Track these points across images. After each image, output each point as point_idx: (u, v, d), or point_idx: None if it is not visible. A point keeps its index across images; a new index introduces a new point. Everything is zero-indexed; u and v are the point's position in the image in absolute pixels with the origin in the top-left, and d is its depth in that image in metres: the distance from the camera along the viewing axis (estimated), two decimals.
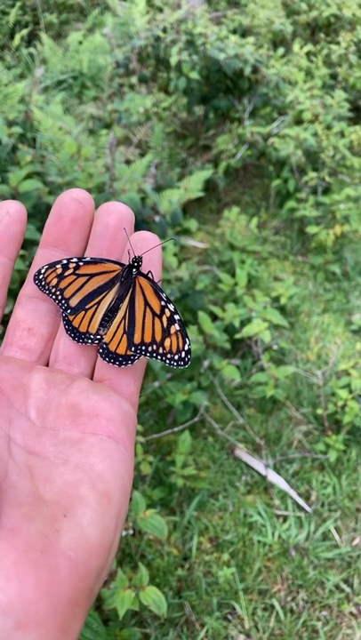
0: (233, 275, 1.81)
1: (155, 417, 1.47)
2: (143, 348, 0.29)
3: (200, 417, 1.37)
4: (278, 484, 1.35)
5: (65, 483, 0.23)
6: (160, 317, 0.30)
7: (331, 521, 1.30)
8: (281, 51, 2.52)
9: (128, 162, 2.06)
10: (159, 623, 1.10)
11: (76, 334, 0.29)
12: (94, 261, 0.30)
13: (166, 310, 0.30)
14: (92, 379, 0.30)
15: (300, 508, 1.32)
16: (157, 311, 0.30)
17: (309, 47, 2.56)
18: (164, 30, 2.19)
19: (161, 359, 0.29)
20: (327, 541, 1.26)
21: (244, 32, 2.77)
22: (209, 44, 2.05)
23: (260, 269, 1.92)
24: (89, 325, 0.30)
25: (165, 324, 0.29)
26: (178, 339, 0.29)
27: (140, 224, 1.58)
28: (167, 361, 0.29)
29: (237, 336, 1.44)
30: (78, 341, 0.29)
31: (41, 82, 2.83)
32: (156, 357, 0.29)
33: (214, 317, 1.66)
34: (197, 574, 1.19)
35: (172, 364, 0.29)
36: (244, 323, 1.53)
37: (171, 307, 0.30)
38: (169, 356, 0.29)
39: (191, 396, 1.33)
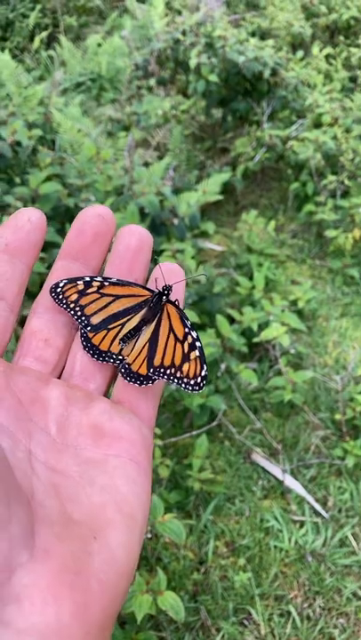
0: (250, 278, 1.81)
1: (171, 420, 1.47)
2: (162, 370, 0.30)
3: (218, 421, 1.37)
4: (295, 490, 1.34)
5: (92, 504, 0.23)
6: (182, 343, 0.30)
7: (348, 527, 1.28)
8: (300, 53, 2.51)
9: (146, 164, 2.07)
10: (175, 627, 1.10)
11: (96, 352, 0.30)
12: (121, 283, 0.31)
13: (189, 337, 0.30)
14: (106, 396, 0.30)
15: (317, 514, 1.31)
16: (180, 337, 0.30)
17: (329, 50, 2.55)
18: (184, 33, 2.19)
19: (177, 383, 0.29)
20: (344, 548, 1.25)
21: (262, 35, 2.77)
22: (228, 47, 2.05)
23: (277, 273, 1.91)
24: (111, 345, 0.30)
25: (186, 350, 0.30)
26: (196, 364, 0.29)
27: (159, 227, 1.58)
28: (183, 385, 0.29)
29: (255, 340, 1.44)
30: (98, 359, 0.30)
31: (60, 84, 2.85)
32: (172, 381, 0.29)
33: (231, 320, 1.66)
34: (213, 578, 1.19)
35: (187, 389, 0.29)
36: (261, 326, 1.53)
37: (194, 333, 0.30)
38: (185, 380, 0.29)
39: (208, 399, 1.33)
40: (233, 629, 1.11)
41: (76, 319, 0.30)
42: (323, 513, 1.31)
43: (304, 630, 1.12)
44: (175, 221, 1.54)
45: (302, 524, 1.30)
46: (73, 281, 0.30)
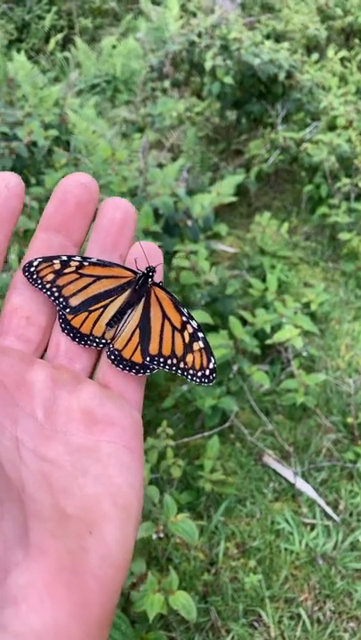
0: (263, 280, 1.81)
1: (183, 420, 1.47)
2: (161, 360, 0.29)
3: (231, 423, 1.37)
4: (306, 492, 1.34)
5: (86, 496, 0.23)
6: (181, 332, 0.29)
7: (359, 531, 1.28)
8: (315, 56, 2.51)
9: (160, 166, 2.07)
10: (185, 627, 1.10)
11: (77, 335, 0.29)
12: (102, 264, 0.30)
13: (188, 326, 0.29)
14: (91, 377, 0.29)
15: (328, 517, 1.31)
16: (178, 326, 0.29)
17: (344, 53, 2.55)
18: (199, 35, 2.20)
19: (182, 374, 0.29)
20: (355, 551, 1.25)
21: (277, 37, 2.77)
22: (244, 50, 2.05)
23: (290, 275, 1.91)
24: (93, 328, 0.29)
25: (187, 340, 0.29)
26: (202, 356, 0.28)
27: (173, 228, 1.59)
28: (189, 377, 0.28)
29: (268, 342, 1.43)
30: (79, 343, 0.28)
31: (75, 85, 2.86)
32: (176, 372, 0.29)
33: (244, 322, 1.66)
34: (224, 580, 1.19)
35: (195, 381, 0.28)
36: (274, 328, 1.52)
37: (194, 323, 0.29)
38: (191, 372, 0.28)
39: (220, 400, 1.33)
40: (243, 631, 1.11)
41: (53, 300, 0.29)
42: (334, 516, 1.31)
43: (314, 633, 1.12)
44: (189, 223, 1.55)
45: (313, 526, 1.29)
46: (48, 260, 0.28)
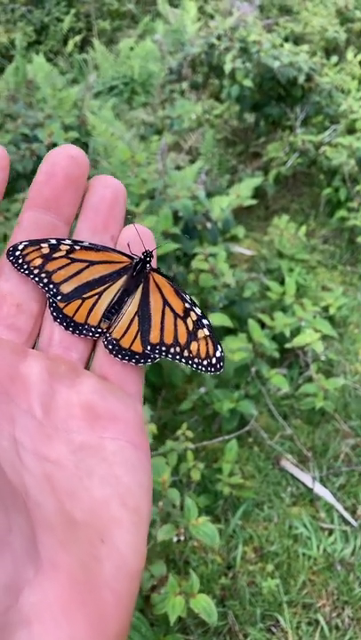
0: (280, 283, 1.80)
1: (200, 423, 1.47)
2: (163, 349, 0.27)
3: (251, 427, 1.37)
4: (324, 497, 1.33)
5: (93, 500, 0.21)
6: (184, 320, 0.28)
7: None
8: (334, 59, 2.50)
9: (178, 168, 2.07)
10: (203, 631, 1.10)
11: (71, 324, 0.27)
12: (95, 248, 0.28)
13: (192, 313, 0.28)
14: (87, 367, 0.27)
15: (347, 523, 1.30)
16: (180, 313, 0.28)
17: None
18: (219, 38, 2.20)
19: (187, 363, 0.27)
20: None
21: (296, 39, 2.76)
22: (263, 52, 2.05)
23: (308, 278, 1.90)
24: (88, 317, 0.27)
25: (191, 327, 0.27)
26: (208, 344, 0.27)
27: (192, 230, 1.59)
28: (195, 365, 0.27)
29: (288, 346, 1.43)
30: (73, 332, 0.27)
31: (93, 87, 2.88)
32: (180, 360, 0.27)
33: (262, 325, 1.65)
34: (241, 584, 1.19)
35: (201, 370, 0.27)
36: (293, 332, 1.52)
37: (197, 310, 0.28)
38: (197, 360, 0.27)
39: (239, 404, 1.33)
40: (260, 636, 1.11)
41: (43, 287, 0.27)
42: (352, 521, 1.30)
43: None
44: (208, 225, 1.55)
45: (331, 532, 1.29)
46: (35, 243, 0.26)
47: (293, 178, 2.32)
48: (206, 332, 0.27)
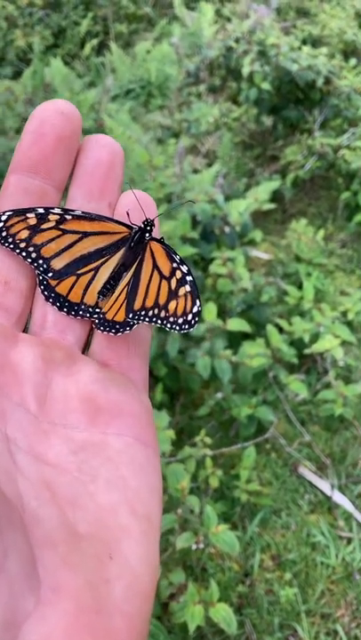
0: (298, 287, 1.79)
1: (216, 429, 1.46)
2: (143, 313, 0.25)
3: (270, 434, 1.36)
4: (343, 505, 1.32)
5: (99, 507, 0.19)
6: (168, 280, 0.25)
7: None
8: (353, 61, 2.48)
9: (195, 171, 2.07)
10: (220, 639, 1.09)
11: (65, 304, 0.24)
12: (89, 217, 0.25)
13: (177, 272, 0.25)
14: (83, 351, 0.24)
15: None
16: (167, 274, 0.25)
17: None
18: (237, 41, 2.19)
19: (162, 324, 0.24)
20: None
21: (313, 42, 2.74)
22: (282, 56, 2.04)
23: (325, 283, 1.89)
24: (84, 295, 0.25)
25: (174, 286, 0.25)
26: (186, 300, 0.24)
27: (210, 235, 1.58)
28: (169, 325, 0.24)
29: (307, 351, 1.42)
30: (68, 313, 0.24)
31: (110, 90, 2.88)
32: (156, 322, 0.25)
33: (279, 330, 1.64)
34: (259, 592, 1.18)
35: (175, 328, 0.24)
36: (311, 337, 1.51)
37: (184, 268, 0.25)
38: (172, 319, 0.24)
39: (257, 410, 1.32)
40: None
41: (31, 263, 0.24)
42: None
43: None
44: (227, 230, 1.54)
45: (350, 540, 1.27)
46: (21, 213, 0.24)
47: (311, 181, 2.30)
48: (188, 287, 0.25)
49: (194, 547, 0.90)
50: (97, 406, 0.21)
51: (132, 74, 3.14)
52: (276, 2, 3.34)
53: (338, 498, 1.33)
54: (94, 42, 3.35)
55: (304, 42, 2.71)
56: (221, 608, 0.84)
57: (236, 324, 1.36)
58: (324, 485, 1.35)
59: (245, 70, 2.02)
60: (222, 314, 1.50)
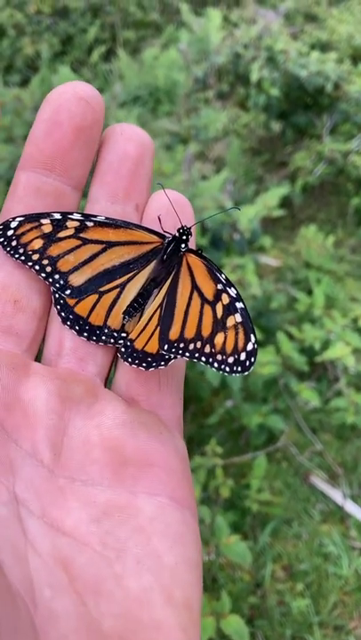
0: (308, 294, 1.78)
1: (226, 437, 1.45)
2: (182, 345, 0.20)
3: (282, 443, 1.34)
4: (355, 515, 1.30)
5: (128, 596, 0.15)
6: (213, 305, 0.21)
7: None
8: None
9: (204, 178, 2.07)
10: None
11: (85, 327, 0.20)
12: (114, 224, 0.21)
13: (223, 295, 0.21)
14: (106, 383, 0.20)
15: None
16: (210, 297, 0.21)
17: None
18: (245, 47, 2.19)
19: (207, 362, 0.20)
20: None
21: (322, 47, 2.74)
22: (290, 61, 2.03)
23: (336, 289, 1.87)
24: (107, 317, 0.21)
25: (220, 314, 0.21)
26: (237, 334, 0.20)
27: (219, 241, 1.57)
28: (216, 364, 0.20)
29: (318, 359, 1.40)
30: (89, 338, 0.20)
31: (117, 97, 2.89)
32: (200, 359, 0.20)
33: (289, 338, 1.63)
34: (271, 603, 1.16)
35: (224, 370, 0.20)
36: (322, 345, 1.49)
37: (232, 291, 0.21)
38: (219, 357, 0.20)
39: (267, 418, 1.31)
40: None
41: (45, 278, 0.20)
42: None
43: None
44: (236, 237, 1.53)
45: None
46: (34, 219, 0.20)
47: (321, 187, 2.29)
48: (238, 318, 0.21)
49: (205, 557, 0.89)
50: (123, 457, 0.18)
51: (140, 80, 3.15)
52: (285, 7, 3.34)
53: (350, 507, 1.31)
54: (102, 49, 3.36)
55: (313, 47, 2.71)
56: (233, 619, 0.83)
57: None
58: (335, 495, 1.34)
59: (254, 76, 2.01)
60: None
